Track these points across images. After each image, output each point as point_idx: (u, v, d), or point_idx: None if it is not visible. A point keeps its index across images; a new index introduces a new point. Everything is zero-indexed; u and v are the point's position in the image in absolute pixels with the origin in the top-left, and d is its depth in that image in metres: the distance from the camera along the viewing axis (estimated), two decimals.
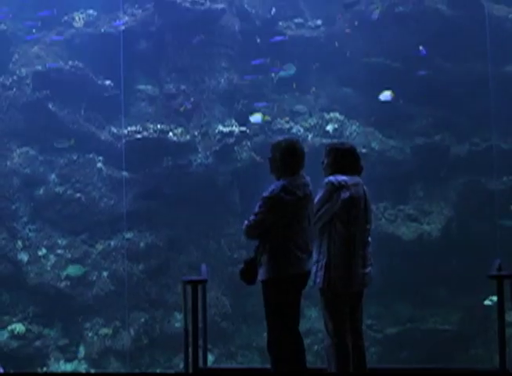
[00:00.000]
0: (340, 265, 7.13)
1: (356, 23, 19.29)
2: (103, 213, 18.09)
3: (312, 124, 18.90)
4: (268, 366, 7.30)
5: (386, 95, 17.58)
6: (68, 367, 17.29)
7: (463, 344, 17.43)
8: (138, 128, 17.95)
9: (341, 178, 7.23)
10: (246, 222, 7.08)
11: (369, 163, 17.83)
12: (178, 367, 16.60)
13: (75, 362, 17.39)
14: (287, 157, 7.18)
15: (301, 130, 18.73)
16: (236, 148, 18.13)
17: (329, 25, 20.02)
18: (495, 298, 9.56)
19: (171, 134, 17.96)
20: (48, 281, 17.61)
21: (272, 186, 7.09)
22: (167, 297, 17.68)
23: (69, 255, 17.84)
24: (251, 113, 18.17)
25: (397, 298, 17.69)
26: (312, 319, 16.80)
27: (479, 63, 18.45)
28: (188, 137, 18.07)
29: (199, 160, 18.04)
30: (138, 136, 17.79)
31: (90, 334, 17.46)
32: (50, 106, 18.31)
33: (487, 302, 16.36)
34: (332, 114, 19.02)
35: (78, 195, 18.02)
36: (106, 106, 18.53)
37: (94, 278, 17.72)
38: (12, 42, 19.70)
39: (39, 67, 18.69)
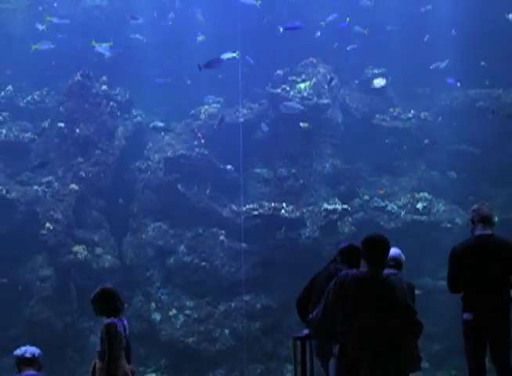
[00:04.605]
0: None
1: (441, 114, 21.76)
2: (225, 279, 20.15)
3: (405, 202, 20.82)
4: None
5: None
6: None
7: None
8: (255, 205, 20.07)
9: None
10: None
11: (453, 236, 20.04)
12: None
13: None
14: None
15: (395, 207, 20.69)
16: (339, 223, 20.12)
17: (419, 117, 22.23)
18: None
19: (283, 211, 20.05)
20: (177, 337, 19.71)
21: None
22: (279, 350, 19.45)
23: (195, 315, 19.92)
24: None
25: None
26: None
27: None
28: (298, 214, 20.11)
29: (307, 234, 20.05)
30: (255, 213, 19.92)
31: None
32: (179, 187, 20.56)
33: None
34: (421, 194, 20.99)
35: (203, 264, 20.21)
36: (227, 187, 20.69)
37: (217, 335, 19.73)
38: (146, 132, 22.21)
39: (170, 154, 21.01)
